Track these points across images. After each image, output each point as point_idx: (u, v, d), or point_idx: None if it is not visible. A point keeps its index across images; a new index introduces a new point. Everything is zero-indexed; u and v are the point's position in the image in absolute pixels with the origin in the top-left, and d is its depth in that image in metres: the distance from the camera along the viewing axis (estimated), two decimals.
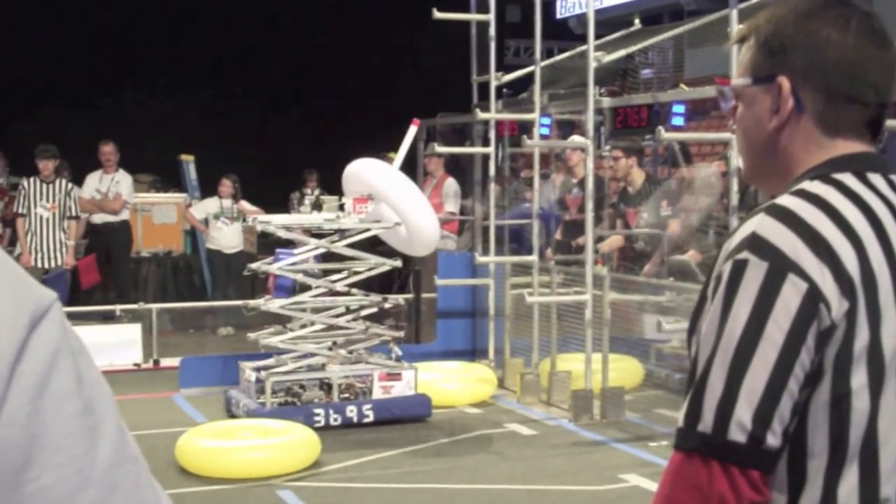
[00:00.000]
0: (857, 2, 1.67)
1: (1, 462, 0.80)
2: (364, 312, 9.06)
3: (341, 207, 8.90)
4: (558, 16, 23.44)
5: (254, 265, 9.30)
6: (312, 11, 24.45)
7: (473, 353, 10.39)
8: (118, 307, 11.24)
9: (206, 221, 12.87)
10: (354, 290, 9.01)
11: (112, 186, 11.58)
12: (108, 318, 11.16)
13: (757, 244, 1.42)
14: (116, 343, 10.66)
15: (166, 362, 10.69)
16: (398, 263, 9.28)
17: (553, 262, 9.73)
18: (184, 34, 23.77)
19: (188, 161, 13.98)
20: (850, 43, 1.54)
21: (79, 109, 22.60)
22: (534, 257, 9.21)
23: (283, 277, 9.75)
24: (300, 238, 9.17)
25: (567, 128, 10.63)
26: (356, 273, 9.00)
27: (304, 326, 9.05)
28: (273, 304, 8.85)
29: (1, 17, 21.70)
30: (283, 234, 8.78)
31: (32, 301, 0.84)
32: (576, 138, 9.41)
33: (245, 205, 12.76)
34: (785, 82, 1.55)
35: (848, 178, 1.53)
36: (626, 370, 9.18)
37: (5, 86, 21.29)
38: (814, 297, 1.37)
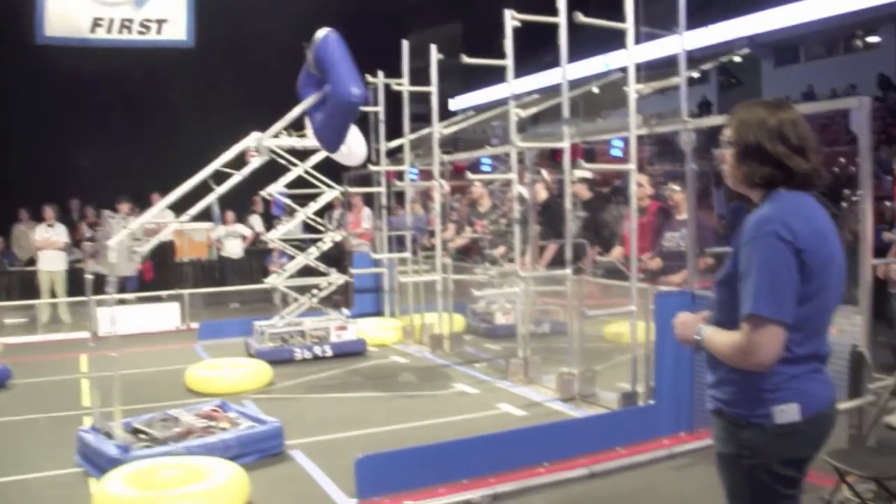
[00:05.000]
0: None
1: None
2: (330, 289, 11.79)
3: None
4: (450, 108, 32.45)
5: (266, 236, 11.93)
6: None
7: (376, 314, 13.79)
8: (164, 293, 15.01)
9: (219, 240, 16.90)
10: (322, 267, 11.64)
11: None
12: (157, 300, 14.76)
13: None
14: (162, 314, 14.20)
15: (194, 325, 13.86)
16: (338, 192, 11.80)
17: (421, 256, 12.98)
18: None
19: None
20: None
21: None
22: (408, 254, 12.71)
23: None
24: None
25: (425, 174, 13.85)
26: (321, 248, 11.69)
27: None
28: (276, 280, 11.78)
29: None
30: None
31: None
32: (433, 182, 12.13)
33: (239, 227, 16.78)
34: None
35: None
36: (458, 321, 12.11)
37: None
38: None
